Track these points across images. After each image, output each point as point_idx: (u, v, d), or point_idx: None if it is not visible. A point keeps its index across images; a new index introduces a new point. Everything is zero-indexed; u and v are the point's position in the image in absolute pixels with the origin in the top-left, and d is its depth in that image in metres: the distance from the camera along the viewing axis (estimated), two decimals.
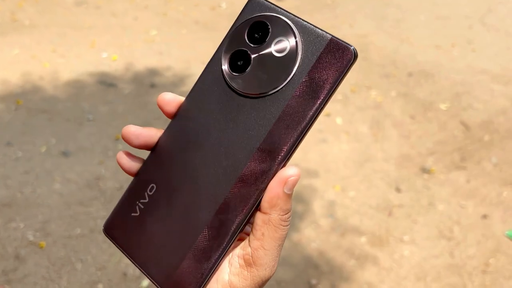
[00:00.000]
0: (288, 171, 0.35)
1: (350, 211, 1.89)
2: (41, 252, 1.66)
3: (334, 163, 2.12)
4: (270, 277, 0.37)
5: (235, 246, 0.38)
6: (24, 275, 1.57)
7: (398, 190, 1.99)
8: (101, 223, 1.77)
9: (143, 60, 2.88)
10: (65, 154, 2.09)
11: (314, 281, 1.61)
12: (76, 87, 2.58)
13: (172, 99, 0.40)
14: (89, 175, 1.98)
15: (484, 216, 1.88)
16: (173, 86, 2.63)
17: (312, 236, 1.77)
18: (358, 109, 2.48)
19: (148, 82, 2.65)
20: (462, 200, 1.95)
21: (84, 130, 2.26)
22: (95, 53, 2.94)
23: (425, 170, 2.11)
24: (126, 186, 1.88)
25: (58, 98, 2.48)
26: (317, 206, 1.90)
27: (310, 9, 3.68)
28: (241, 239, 0.39)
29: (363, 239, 1.78)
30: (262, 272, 0.36)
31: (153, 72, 2.76)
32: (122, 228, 0.41)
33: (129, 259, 0.40)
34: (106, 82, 2.64)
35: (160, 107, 0.40)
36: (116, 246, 0.41)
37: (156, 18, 3.49)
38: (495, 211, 1.90)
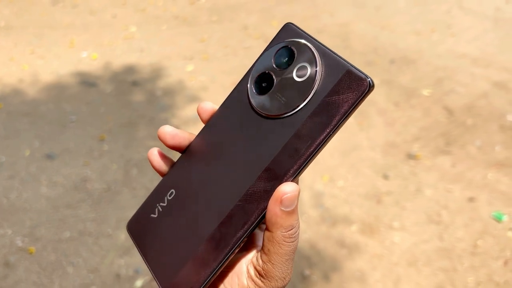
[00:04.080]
0: (284, 188, 0.35)
1: (339, 200, 1.90)
2: (31, 258, 1.63)
3: (321, 154, 2.13)
4: (284, 286, 0.37)
5: (254, 248, 0.40)
6: (14, 282, 1.55)
7: (385, 177, 2.01)
8: (90, 225, 1.76)
9: (124, 58, 2.85)
10: (49, 156, 2.06)
11: (307, 272, 1.62)
12: (57, 88, 2.54)
13: (209, 108, 0.42)
14: (76, 177, 1.96)
15: (471, 199, 1.91)
16: (155, 83, 2.61)
17: (303, 227, 1.78)
18: None
19: (130, 80, 2.62)
20: (449, 185, 1.98)
21: (67, 131, 2.22)
22: (75, 53, 2.89)
23: (411, 157, 2.13)
24: (113, 187, 1.87)
25: (39, 100, 2.44)
26: (307, 197, 1.90)
27: None
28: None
29: (353, 228, 1.79)
30: (274, 283, 0.37)
31: (134, 70, 2.73)
32: (141, 227, 0.44)
33: (141, 257, 0.43)
34: (87, 82, 2.60)
35: (199, 114, 0.42)
36: (134, 244, 0.44)
37: (135, 14, 3.45)
38: (481, 194, 1.93)
